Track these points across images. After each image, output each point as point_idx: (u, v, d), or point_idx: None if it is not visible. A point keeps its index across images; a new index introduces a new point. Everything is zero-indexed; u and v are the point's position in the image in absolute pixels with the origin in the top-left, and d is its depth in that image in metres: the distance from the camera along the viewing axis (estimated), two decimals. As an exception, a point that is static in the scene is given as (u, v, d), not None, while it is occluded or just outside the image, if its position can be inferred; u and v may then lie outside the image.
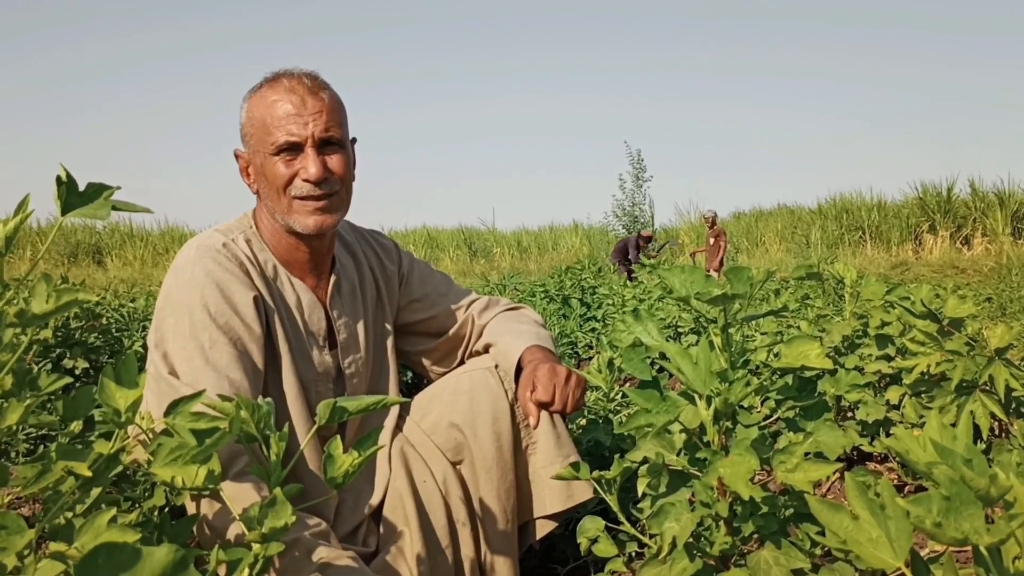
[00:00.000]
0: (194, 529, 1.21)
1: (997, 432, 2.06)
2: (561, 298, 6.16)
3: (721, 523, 1.02)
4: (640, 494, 1.08)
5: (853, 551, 0.66)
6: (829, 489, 2.12)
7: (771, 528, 0.98)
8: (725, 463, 0.93)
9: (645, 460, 1.07)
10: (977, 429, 1.77)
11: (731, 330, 1.03)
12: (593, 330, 5.46)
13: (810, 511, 0.76)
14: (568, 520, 1.66)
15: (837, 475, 2.10)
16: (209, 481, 0.87)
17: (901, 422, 1.93)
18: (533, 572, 1.71)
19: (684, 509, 0.99)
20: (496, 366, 1.56)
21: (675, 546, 0.95)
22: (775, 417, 1.12)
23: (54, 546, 0.73)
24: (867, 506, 0.66)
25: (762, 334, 2.77)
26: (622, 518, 1.15)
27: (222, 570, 0.82)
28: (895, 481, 2.08)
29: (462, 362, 1.71)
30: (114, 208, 0.78)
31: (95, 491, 0.88)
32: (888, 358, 2.02)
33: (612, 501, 1.15)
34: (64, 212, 0.75)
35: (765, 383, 1.02)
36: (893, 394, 1.95)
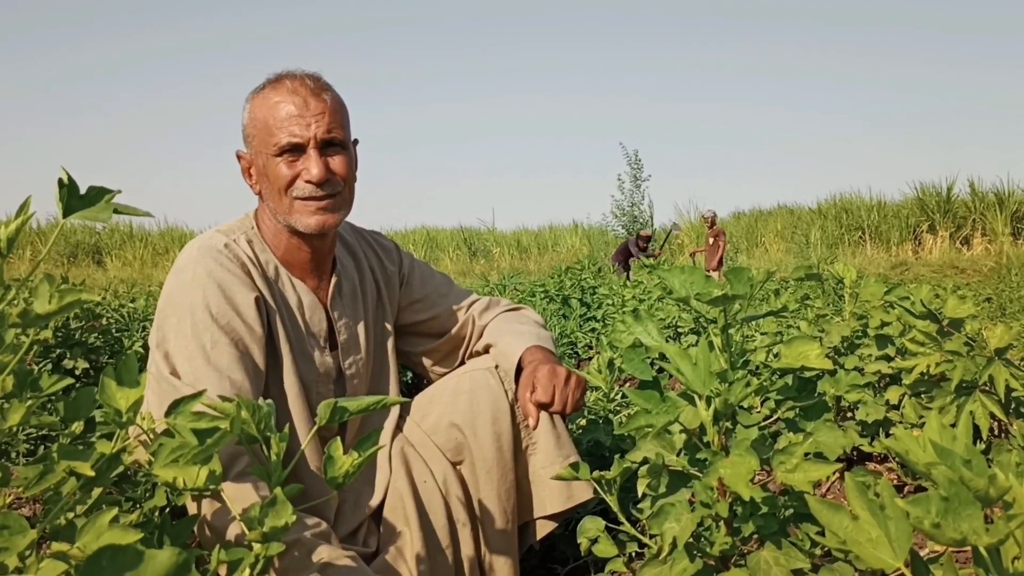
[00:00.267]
0: (195, 529, 1.21)
1: (997, 432, 2.06)
2: (561, 298, 6.16)
3: (721, 523, 1.02)
4: (640, 494, 1.08)
5: (853, 551, 0.66)
6: (829, 489, 2.13)
7: (771, 528, 0.98)
8: (725, 463, 0.94)
9: (645, 460, 1.07)
10: (977, 429, 1.77)
11: (731, 330, 1.03)
12: (593, 330, 5.46)
13: (810, 511, 0.76)
14: (568, 520, 1.66)
15: (837, 475, 2.10)
16: (210, 481, 0.87)
17: (901, 422, 1.93)
18: (533, 572, 1.71)
19: (684, 509, 0.99)
20: (496, 366, 1.56)
21: (675, 546, 0.96)
22: (775, 417, 1.12)
23: (56, 546, 0.73)
24: (867, 506, 0.66)
25: (762, 334, 2.77)
26: (622, 518, 1.15)
27: (223, 570, 0.82)
28: (895, 481, 2.08)
29: (462, 362, 1.72)
30: (115, 211, 0.78)
31: (96, 491, 0.88)
32: (888, 358, 2.02)
33: (612, 501, 1.15)
34: (65, 215, 0.75)
35: (765, 383, 1.03)
36: (893, 394, 1.95)
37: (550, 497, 1.52)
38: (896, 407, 2.00)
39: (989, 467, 0.64)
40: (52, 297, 0.73)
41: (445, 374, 1.68)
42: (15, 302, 0.73)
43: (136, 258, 20.92)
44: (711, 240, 13.56)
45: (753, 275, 0.97)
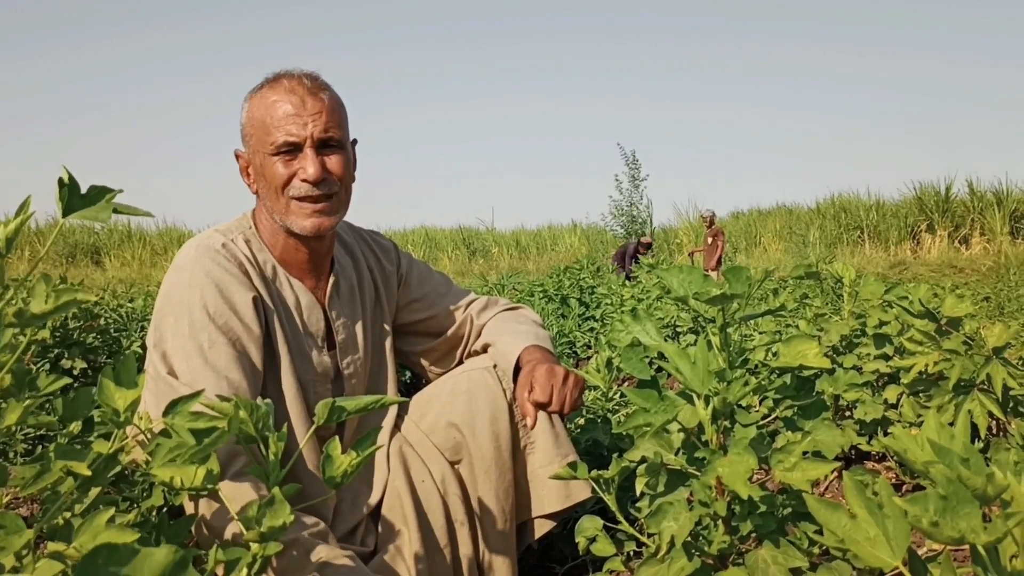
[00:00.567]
0: (192, 529, 1.21)
1: (995, 431, 2.06)
2: (559, 298, 6.16)
3: (719, 522, 1.02)
4: (638, 493, 1.08)
5: (851, 550, 0.66)
6: (827, 488, 2.13)
7: (769, 527, 0.98)
8: (723, 462, 0.94)
9: (643, 459, 1.07)
10: (975, 428, 1.78)
11: (729, 329, 1.03)
12: (592, 330, 5.46)
13: (808, 510, 0.76)
14: (566, 519, 1.66)
15: (835, 474, 2.10)
16: (207, 481, 0.87)
17: (899, 421, 1.94)
18: (531, 571, 1.71)
19: (682, 508, 0.99)
20: (495, 366, 1.56)
21: (673, 545, 0.96)
22: (773, 416, 1.12)
23: (52, 546, 0.73)
24: (865, 505, 0.66)
25: (760, 333, 2.77)
26: (620, 517, 1.15)
27: (220, 570, 0.82)
28: (893, 480, 2.08)
29: (461, 362, 1.71)
30: (115, 211, 0.78)
31: (94, 491, 0.88)
32: (886, 357, 2.02)
33: (610, 500, 1.15)
34: (65, 214, 0.75)
35: (763, 382, 1.02)
36: (891, 393, 1.95)
37: (548, 496, 1.52)
38: (894, 406, 2.00)
39: (987, 466, 0.64)
40: (49, 297, 0.73)
41: (443, 374, 1.67)
42: (13, 302, 0.73)
43: (135, 258, 20.90)
44: (710, 240, 13.57)
45: (751, 274, 0.97)
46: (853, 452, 2.21)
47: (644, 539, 1.14)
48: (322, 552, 1.16)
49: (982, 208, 18.39)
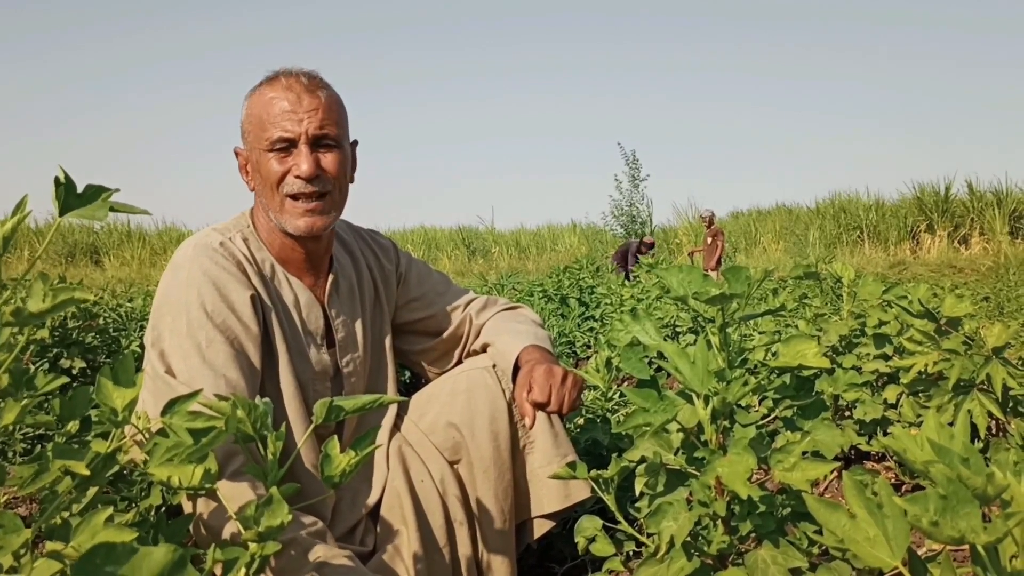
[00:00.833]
0: (191, 528, 1.21)
1: (995, 431, 2.06)
2: (559, 298, 6.16)
3: (719, 522, 1.02)
4: (638, 493, 1.08)
5: (850, 550, 0.66)
6: (827, 488, 2.13)
7: (769, 527, 0.98)
8: (723, 462, 0.93)
9: (643, 459, 1.07)
10: (975, 428, 1.77)
11: (729, 329, 1.03)
12: (591, 329, 5.46)
13: (808, 510, 0.76)
14: (566, 519, 1.66)
15: (835, 474, 2.10)
16: (205, 480, 0.87)
17: (899, 421, 1.93)
18: (531, 571, 1.71)
19: (682, 508, 0.99)
20: (494, 366, 1.56)
21: (673, 545, 0.95)
22: (773, 416, 1.12)
23: (51, 545, 0.73)
24: (864, 505, 0.66)
25: (760, 333, 2.77)
26: (620, 517, 1.15)
27: (219, 569, 0.82)
28: (893, 480, 2.08)
29: (460, 362, 1.71)
30: (112, 210, 0.78)
31: (92, 490, 0.88)
32: (886, 357, 2.02)
33: (610, 500, 1.15)
34: (62, 213, 0.75)
35: (763, 382, 1.02)
36: (891, 393, 1.95)
37: (548, 496, 1.52)
38: (894, 406, 2.00)
39: (987, 466, 0.64)
40: (46, 296, 0.72)
41: (442, 373, 1.67)
42: (12, 301, 0.73)
43: (134, 258, 20.90)
44: (709, 240, 13.58)
45: (751, 274, 0.97)
46: (853, 452, 2.21)
47: (643, 539, 1.14)
48: (320, 552, 1.16)
49: (981, 208, 18.40)
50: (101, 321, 3.26)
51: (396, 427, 1.57)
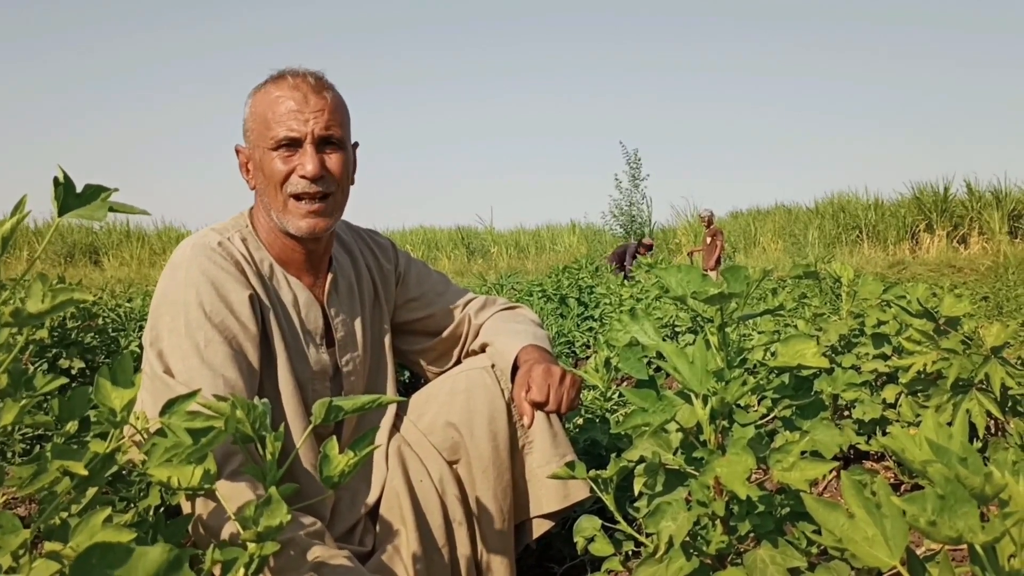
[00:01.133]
0: (189, 528, 1.21)
1: (994, 431, 2.06)
2: (558, 298, 6.16)
3: (718, 522, 1.02)
4: (637, 493, 1.08)
5: (849, 550, 0.66)
6: (826, 488, 2.13)
7: (767, 527, 0.98)
8: (722, 462, 0.93)
9: (642, 459, 1.07)
10: (973, 427, 1.78)
11: (727, 329, 1.03)
12: (591, 329, 5.46)
13: (806, 510, 0.76)
14: (565, 519, 1.66)
15: (834, 474, 2.10)
16: (204, 481, 0.86)
17: (898, 421, 1.94)
18: (530, 571, 1.71)
19: (681, 508, 0.99)
20: (492, 365, 1.56)
21: (672, 545, 0.95)
22: (772, 416, 1.12)
23: (49, 546, 0.73)
24: (863, 504, 0.66)
25: (759, 333, 2.77)
26: (619, 517, 1.15)
27: (217, 570, 0.82)
28: (892, 480, 2.08)
29: (459, 362, 1.71)
30: (111, 210, 0.78)
31: (91, 491, 0.88)
32: (885, 357, 2.02)
33: (609, 500, 1.15)
34: (61, 213, 0.75)
35: (762, 382, 1.02)
36: (889, 393, 1.95)
37: (547, 496, 1.52)
38: (893, 405, 2.00)
39: (985, 465, 0.64)
40: (45, 296, 0.72)
41: (441, 373, 1.67)
42: (11, 301, 0.73)
43: (133, 258, 20.90)
44: (708, 239, 13.58)
45: (749, 274, 0.97)
46: (852, 452, 2.21)
47: (642, 539, 1.14)
48: (319, 552, 1.16)
49: (980, 208, 18.41)
50: (100, 321, 3.26)
51: (395, 427, 1.57)
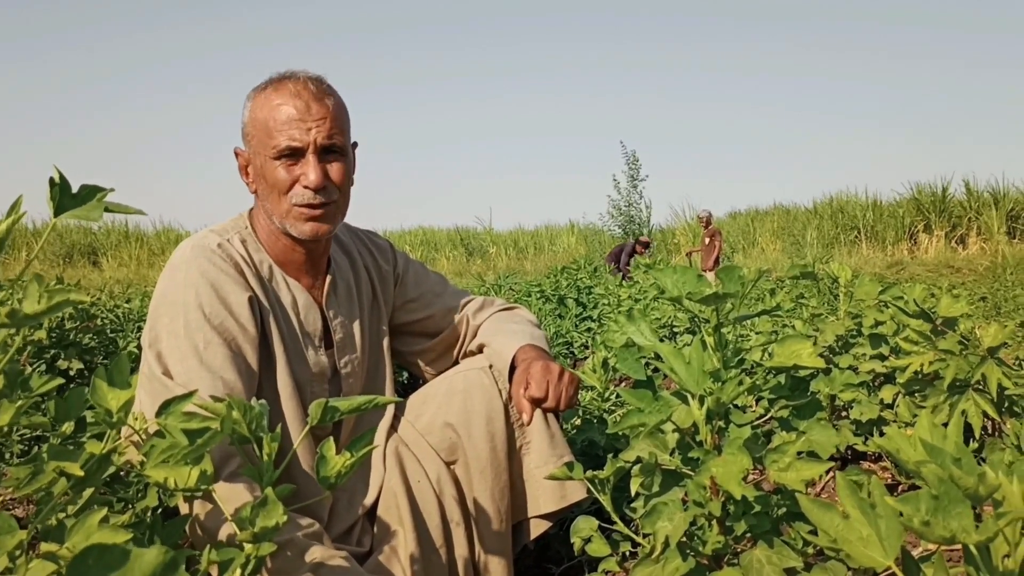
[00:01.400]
0: (187, 530, 1.21)
1: (990, 431, 2.06)
2: (557, 298, 6.17)
3: (714, 522, 1.02)
4: (633, 494, 1.08)
5: (844, 550, 0.66)
6: (823, 488, 2.13)
7: (764, 527, 0.98)
8: (718, 462, 0.94)
9: (638, 460, 1.07)
10: (970, 428, 1.78)
11: (724, 329, 1.03)
12: (589, 330, 5.46)
13: (802, 510, 0.76)
14: (562, 520, 1.66)
15: (831, 474, 2.10)
16: (201, 482, 0.87)
17: (895, 421, 1.94)
18: (527, 572, 1.71)
19: (677, 508, 0.99)
20: (490, 366, 1.56)
21: (668, 545, 0.96)
22: (768, 416, 1.12)
23: (46, 546, 0.73)
24: (858, 505, 0.66)
25: (757, 333, 2.77)
26: (615, 518, 1.15)
27: (214, 570, 0.82)
28: (889, 480, 2.08)
29: (457, 362, 1.71)
30: (107, 210, 0.78)
31: (87, 492, 0.88)
32: (882, 357, 2.03)
33: (606, 501, 1.15)
34: (57, 214, 0.75)
35: (758, 382, 1.03)
36: (887, 393, 1.95)
37: (544, 497, 1.52)
38: (890, 406, 2.00)
39: (981, 465, 0.64)
40: (42, 297, 0.72)
41: (440, 374, 1.67)
42: (8, 302, 0.73)
43: (132, 258, 20.87)
44: (707, 240, 13.58)
45: (745, 274, 0.97)
46: (850, 452, 2.21)
47: (639, 539, 1.14)
48: (317, 553, 1.16)
49: (979, 208, 18.43)
50: (99, 322, 3.25)
51: (393, 428, 1.57)
